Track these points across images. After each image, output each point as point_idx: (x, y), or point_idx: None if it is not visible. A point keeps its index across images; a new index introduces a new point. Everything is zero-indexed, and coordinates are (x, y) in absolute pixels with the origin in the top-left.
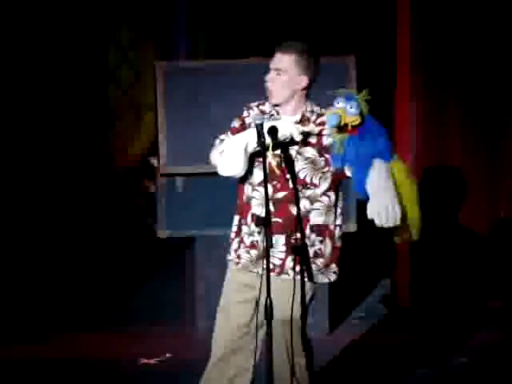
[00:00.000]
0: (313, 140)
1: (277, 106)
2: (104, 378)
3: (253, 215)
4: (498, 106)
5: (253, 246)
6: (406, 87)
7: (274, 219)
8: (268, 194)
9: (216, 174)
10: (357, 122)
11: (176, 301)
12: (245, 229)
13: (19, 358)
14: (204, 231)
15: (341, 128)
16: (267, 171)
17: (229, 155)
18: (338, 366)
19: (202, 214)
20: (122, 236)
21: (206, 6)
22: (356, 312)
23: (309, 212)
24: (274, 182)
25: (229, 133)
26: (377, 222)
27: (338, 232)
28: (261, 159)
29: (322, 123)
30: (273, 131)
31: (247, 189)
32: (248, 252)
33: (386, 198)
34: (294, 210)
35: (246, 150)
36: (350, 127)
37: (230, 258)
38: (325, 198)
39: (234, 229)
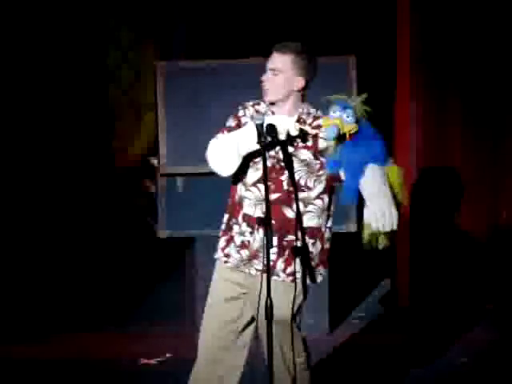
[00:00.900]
0: (308, 143)
1: (272, 105)
2: (104, 378)
3: (245, 215)
4: (498, 106)
5: (244, 245)
6: (406, 87)
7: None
8: (268, 195)
9: (216, 174)
10: (355, 130)
11: (176, 301)
12: (236, 228)
13: (19, 358)
14: (204, 231)
15: (340, 137)
16: (267, 171)
17: (219, 154)
18: (338, 365)
19: (202, 214)
20: (122, 236)
21: (206, 6)
22: (356, 312)
23: (302, 215)
24: (268, 183)
25: (225, 132)
26: (374, 226)
27: (327, 234)
28: (255, 159)
29: (318, 126)
30: (271, 129)
31: (240, 189)
32: (238, 252)
33: (382, 202)
34: (287, 212)
35: (237, 150)
36: (348, 136)
37: (216, 256)
38: (318, 201)
39: (223, 227)
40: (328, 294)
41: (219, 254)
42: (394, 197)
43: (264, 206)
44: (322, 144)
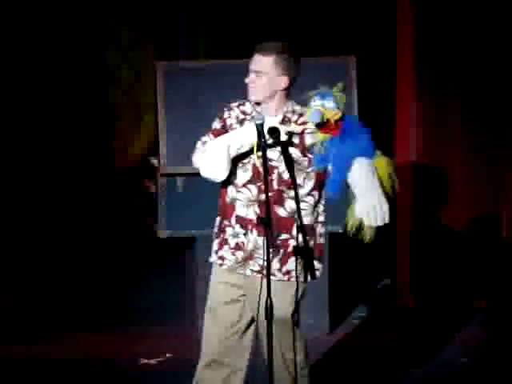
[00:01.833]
0: (295, 140)
1: (258, 104)
2: (104, 378)
3: (237, 217)
4: (498, 107)
5: (238, 247)
6: (406, 87)
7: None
8: (267, 195)
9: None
10: (338, 116)
11: (176, 301)
12: (229, 230)
13: (19, 358)
14: (204, 231)
15: (324, 125)
16: (267, 171)
17: (211, 157)
18: (338, 365)
19: (202, 214)
20: (122, 236)
21: (206, 6)
22: (356, 312)
23: (295, 212)
24: (259, 184)
25: (210, 134)
26: (366, 222)
27: (320, 229)
28: (244, 160)
29: (304, 123)
30: (272, 132)
31: (231, 190)
32: (233, 254)
33: (373, 197)
34: (280, 211)
35: (228, 153)
36: (333, 122)
37: (212, 259)
38: (310, 198)
39: (215, 230)
40: (328, 294)
41: (214, 258)
42: (385, 190)
43: (256, 206)
44: (309, 140)
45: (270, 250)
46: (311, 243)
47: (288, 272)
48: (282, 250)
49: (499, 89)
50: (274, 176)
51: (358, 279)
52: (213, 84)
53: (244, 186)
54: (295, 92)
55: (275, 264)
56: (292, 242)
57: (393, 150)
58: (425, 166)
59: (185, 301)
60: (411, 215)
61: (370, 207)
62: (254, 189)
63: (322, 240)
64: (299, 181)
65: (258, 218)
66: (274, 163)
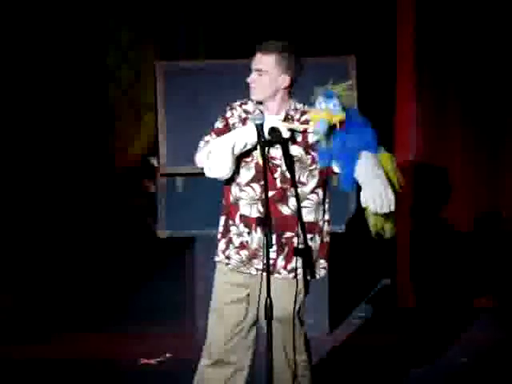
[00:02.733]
0: (298, 138)
1: (260, 103)
2: (104, 378)
3: (241, 216)
4: (498, 107)
5: (243, 246)
6: (406, 87)
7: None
8: (267, 195)
9: (212, 178)
10: (343, 118)
11: (176, 301)
12: (233, 229)
13: (19, 358)
14: (204, 231)
15: (329, 128)
16: (267, 171)
17: (215, 157)
18: (338, 365)
19: (202, 214)
20: (122, 236)
21: (206, 5)
22: (356, 312)
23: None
24: (262, 182)
25: (213, 134)
26: (372, 207)
27: (326, 227)
28: (247, 159)
29: (307, 121)
30: (273, 132)
31: (234, 189)
32: (238, 253)
33: (378, 184)
34: (283, 210)
35: (232, 151)
36: (337, 125)
37: (217, 259)
38: (313, 196)
39: (221, 229)
40: (328, 293)
41: (220, 257)
42: (390, 181)
43: (260, 205)
44: (311, 138)
45: (275, 249)
46: (317, 241)
47: (293, 270)
48: (286, 249)
49: (499, 89)
50: (277, 174)
51: (358, 279)
52: (213, 84)
53: (247, 184)
54: (295, 91)
55: (280, 262)
56: (296, 240)
57: (393, 150)
58: (425, 166)
59: (185, 301)
60: (411, 215)
61: (376, 194)
62: (257, 187)
63: (327, 238)
64: (302, 179)
65: (258, 218)
66: (277, 162)
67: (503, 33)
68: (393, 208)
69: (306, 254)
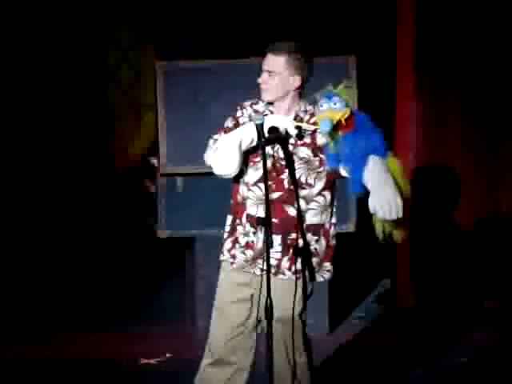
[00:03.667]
0: (307, 140)
1: (270, 104)
2: (104, 378)
3: (248, 215)
4: (498, 106)
5: (248, 246)
6: (406, 87)
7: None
8: (268, 195)
9: (219, 176)
10: (347, 115)
11: (176, 301)
12: (240, 229)
13: (19, 358)
14: (204, 231)
15: (336, 127)
16: (267, 171)
17: (223, 154)
18: (338, 365)
19: (202, 214)
20: (122, 236)
21: (206, 5)
22: (356, 312)
23: (305, 212)
24: (269, 183)
25: (222, 132)
26: (380, 214)
27: (332, 231)
28: (256, 159)
29: (316, 123)
30: (272, 130)
31: (242, 189)
32: (243, 252)
33: (386, 190)
34: (289, 211)
35: (240, 147)
36: (343, 122)
37: (223, 258)
38: (320, 198)
39: (228, 229)
40: (328, 294)
41: (226, 256)
42: (398, 186)
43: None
44: (320, 140)
45: (280, 250)
46: (322, 244)
47: (297, 271)
48: (291, 250)
49: (499, 88)
50: (285, 175)
51: (358, 279)
52: (213, 84)
53: (255, 184)
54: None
55: (285, 263)
56: (301, 242)
57: (393, 150)
58: (424, 166)
59: (185, 301)
60: (410, 215)
61: (383, 200)
62: (264, 187)
63: (334, 241)
64: (310, 180)
65: (258, 218)
66: (284, 163)
67: (503, 33)
68: (400, 214)
69: (307, 254)
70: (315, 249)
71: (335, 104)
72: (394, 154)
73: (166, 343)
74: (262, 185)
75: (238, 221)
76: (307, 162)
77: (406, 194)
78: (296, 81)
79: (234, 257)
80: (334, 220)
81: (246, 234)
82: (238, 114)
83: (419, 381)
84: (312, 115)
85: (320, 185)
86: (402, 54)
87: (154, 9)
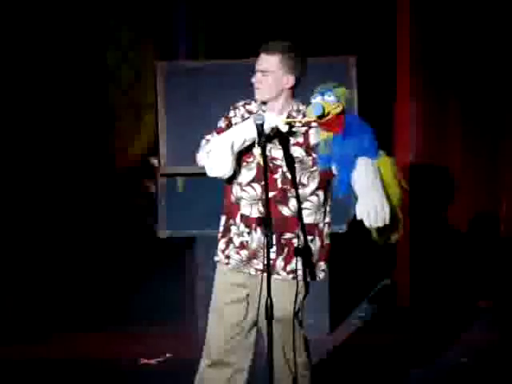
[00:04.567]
0: (300, 139)
1: (264, 104)
2: (104, 378)
3: (242, 216)
4: (498, 106)
5: (243, 246)
6: (406, 87)
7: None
8: (267, 194)
9: (212, 177)
10: (340, 109)
11: (176, 301)
12: (234, 229)
13: (19, 358)
14: (204, 231)
15: (326, 119)
16: (267, 171)
17: (215, 156)
18: (338, 366)
19: (202, 214)
20: (122, 236)
21: (206, 5)
22: (356, 312)
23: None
24: (263, 182)
25: (214, 133)
26: (366, 222)
27: (326, 230)
28: (249, 159)
29: (308, 122)
30: (273, 130)
31: (235, 189)
32: (238, 253)
33: (374, 197)
34: (283, 210)
35: (232, 149)
36: (334, 116)
37: (217, 258)
38: (314, 198)
39: (221, 229)
40: (328, 294)
41: (220, 257)
42: (389, 190)
43: (260, 205)
44: (313, 140)
45: (274, 249)
46: (317, 243)
47: (292, 271)
48: (286, 249)
49: (499, 88)
50: (278, 175)
51: (358, 279)
52: (213, 84)
53: (248, 184)
54: (297, 91)
55: (280, 263)
56: (296, 241)
57: (392, 150)
58: (424, 166)
59: (185, 301)
60: (410, 215)
61: (370, 207)
62: (258, 187)
63: (328, 241)
64: (303, 180)
65: (258, 218)
66: (278, 162)
67: (503, 33)
68: (387, 222)
69: (306, 254)
70: (310, 248)
71: (329, 96)
72: (387, 153)
73: (166, 343)
74: (255, 185)
75: (231, 221)
76: (300, 161)
77: (398, 195)
78: (290, 80)
79: (228, 257)
80: (327, 219)
81: (240, 235)
82: (231, 114)
83: (419, 381)
84: (304, 115)
85: (313, 184)
86: (401, 55)
87: (153, 9)
